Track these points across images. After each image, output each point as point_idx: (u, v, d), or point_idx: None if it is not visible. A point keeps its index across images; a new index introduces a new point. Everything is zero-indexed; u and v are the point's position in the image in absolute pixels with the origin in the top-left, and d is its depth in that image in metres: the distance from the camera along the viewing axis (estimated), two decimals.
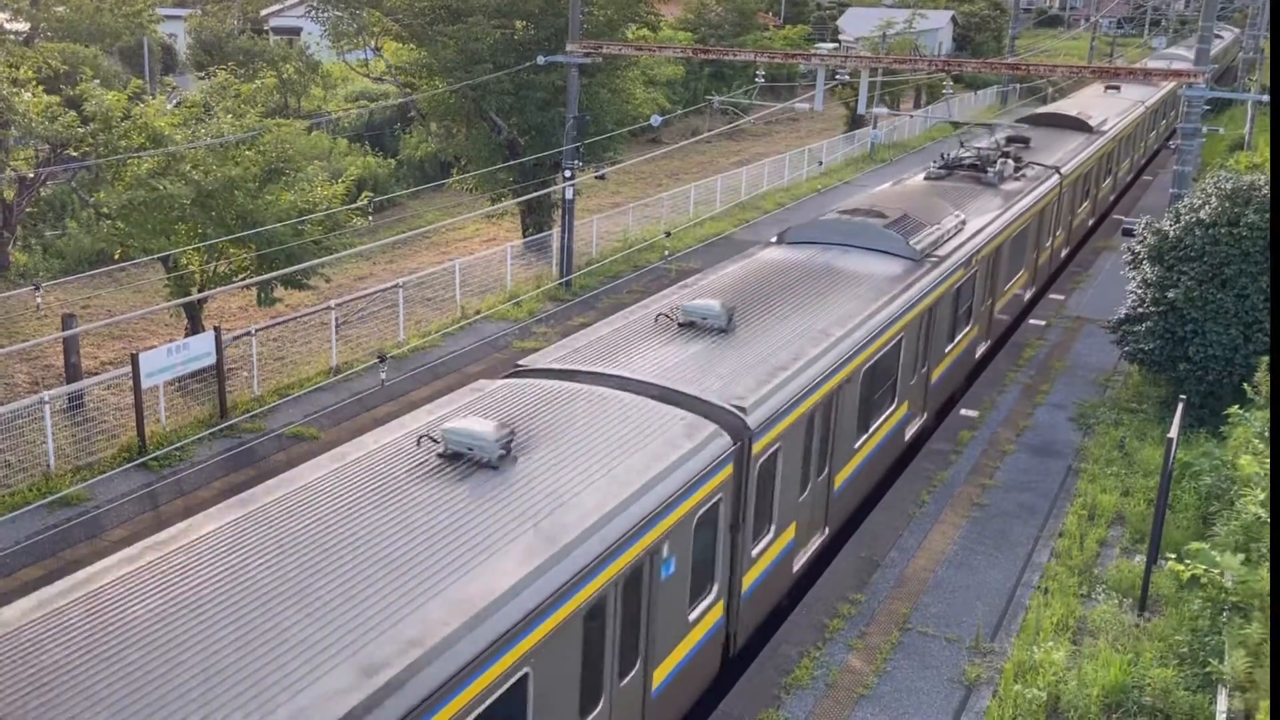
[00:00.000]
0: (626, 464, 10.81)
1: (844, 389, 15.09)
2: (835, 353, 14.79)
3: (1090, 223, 35.83)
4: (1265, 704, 10.89)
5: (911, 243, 18.85)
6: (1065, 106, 40.35)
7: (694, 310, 14.56)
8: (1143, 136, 45.77)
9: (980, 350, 23.18)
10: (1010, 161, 26.50)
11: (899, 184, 26.03)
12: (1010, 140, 31.01)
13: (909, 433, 18.88)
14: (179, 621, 7.84)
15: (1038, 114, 37.49)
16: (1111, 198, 39.75)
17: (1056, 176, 28.01)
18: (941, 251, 19.57)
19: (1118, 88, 45.63)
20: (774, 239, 19.89)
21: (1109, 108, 40.43)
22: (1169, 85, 48.64)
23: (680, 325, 14.53)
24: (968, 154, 27.55)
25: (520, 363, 13.51)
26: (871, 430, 16.67)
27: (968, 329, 21.51)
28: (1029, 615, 14.55)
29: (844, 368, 14.93)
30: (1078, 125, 35.13)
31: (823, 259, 18.32)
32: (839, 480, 15.66)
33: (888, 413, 17.35)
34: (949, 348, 20.32)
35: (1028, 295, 27.39)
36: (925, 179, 25.82)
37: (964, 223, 21.48)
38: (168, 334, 27.57)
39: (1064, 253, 31.72)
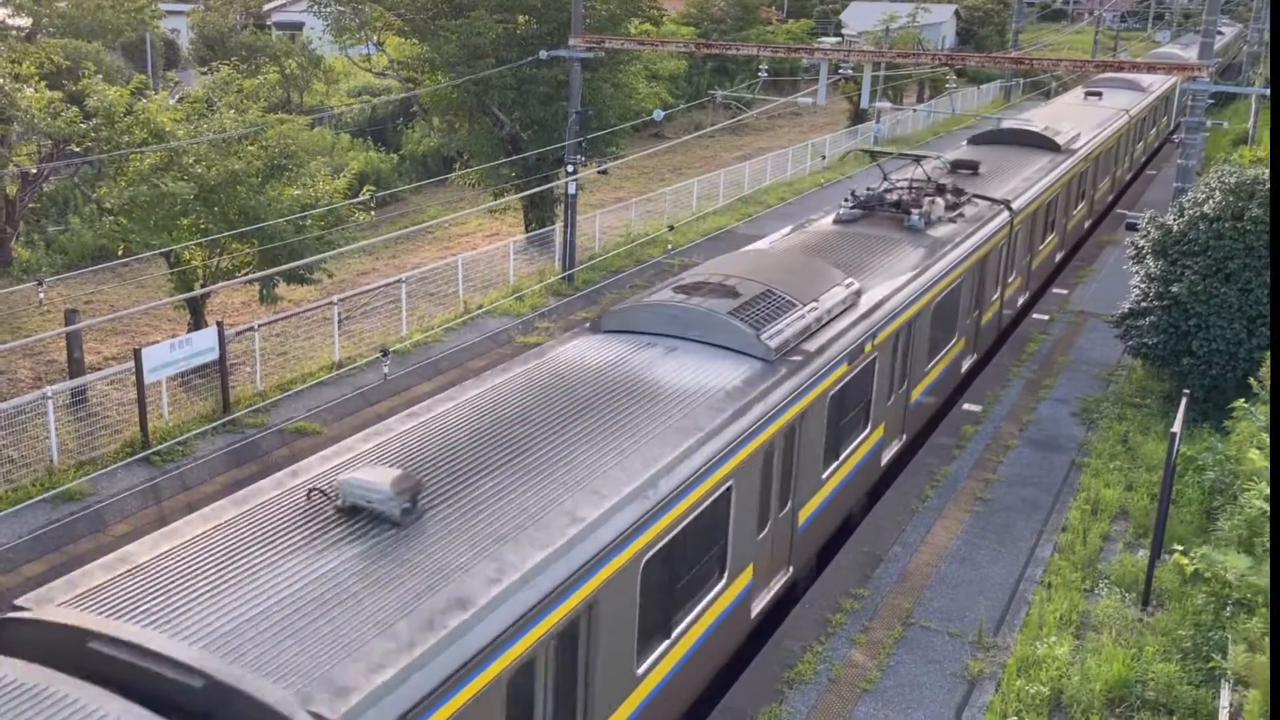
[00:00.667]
0: None
1: (602, 601, 9.88)
2: (585, 548, 9.62)
3: (1059, 257, 31.04)
4: (1255, 694, 10.89)
5: (764, 337, 13.81)
6: (1030, 120, 34.74)
7: (356, 488, 9.28)
8: (1126, 150, 40.27)
9: (891, 453, 18.21)
10: (941, 199, 21.64)
11: (800, 229, 20.66)
12: (955, 166, 26.01)
13: (759, 605, 13.66)
14: None
15: (995, 131, 31.64)
16: (1086, 224, 34.79)
17: (1006, 213, 23.14)
18: (812, 345, 14.56)
19: (1099, 94, 41.27)
20: (588, 324, 14.87)
21: (1084, 120, 35.42)
22: (1159, 90, 46.20)
23: (338, 510, 9.29)
24: (893, 188, 22.62)
25: (21, 602, 8.28)
26: (674, 637, 11.44)
27: (865, 434, 16.59)
28: (1032, 610, 14.54)
29: (602, 568, 9.81)
30: (1042, 144, 29.89)
31: (634, 363, 13.11)
32: None
33: (710, 596, 12.18)
34: (829, 471, 15.28)
35: (967, 364, 22.52)
36: (834, 223, 20.67)
37: (858, 294, 16.48)
38: (170, 329, 27.61)
39: (1020, 301, 26.88)
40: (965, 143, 31.47)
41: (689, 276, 15.70)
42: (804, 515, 14.68)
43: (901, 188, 22.66)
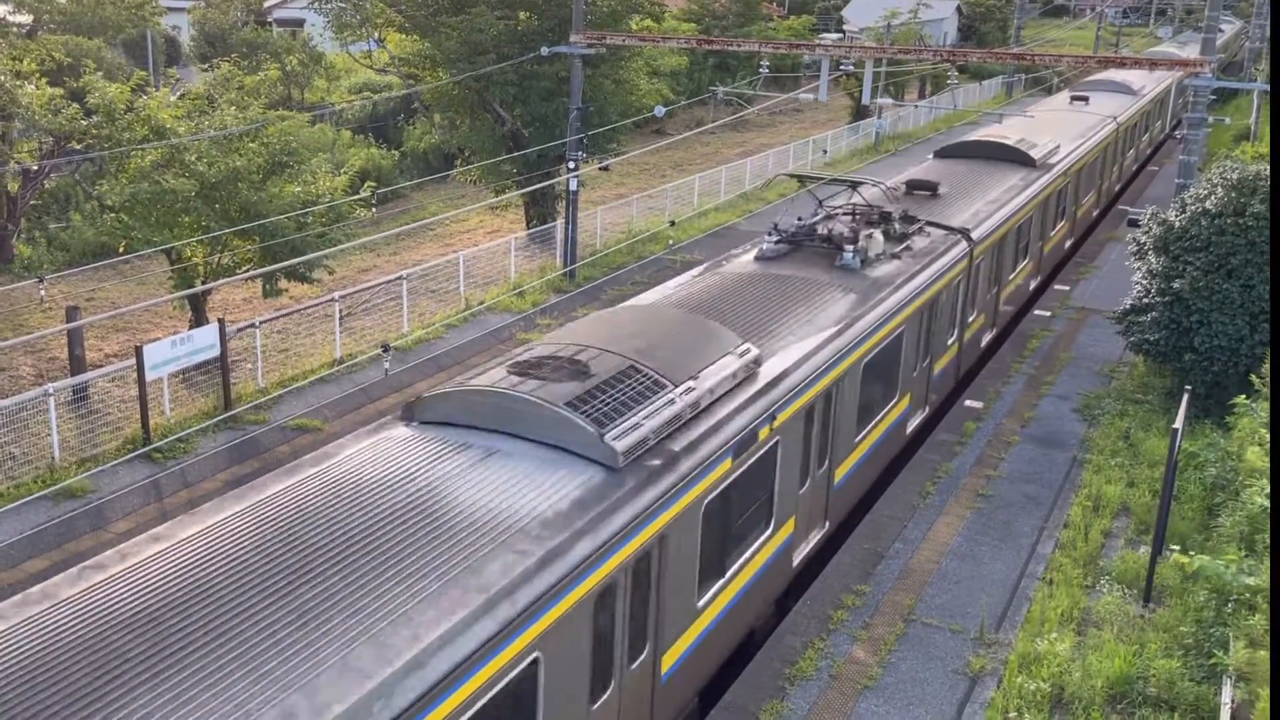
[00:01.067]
0: None
1: None
2: None
3: (1034, 284, 27.88)
4: (1265, 692, 10.89)
5: (610, 436, 10.72)
6: (1004, 130, 31.31)
7: None
8: (1114, 160, 36.97)
9: (807, 548, 15.04)
10: (881, 232, 18.71)
11: (713, 269, 17.58)
12: (911, 188, 23.04)
13: None
14: None
15: (963, 144, 28.47)
16: (1068, 244, 31.53)
17: (964, 244, 20.25)
18: (680, 440, 11.51)
19: (1085, 99, 38.63)
20: (400, 412, 11.52)
21: (1065, 129, 32.40)
22: (1152, 93, 44.60)
23: None
24: (831, 215, 19.88)
25: None
26: None
27: (766, 537, 13.49)
28: (1033, 606, 14.53)
29: None
30: (1014, 158, 26.77)
31: (433, 476, 9.96)
32: None
33: None
34: (709, 596, 12.14)
35: (915, 423, 19.44)
36: (755, 259, 17.64)
37: (757, 363, 13.46)
38: (172, 326, 27.63)
39: (985, 340, 23.68)
40: (931, 156, 28.64)
41: (535, 348, 12.47)
42: (670, 661, 11.38)
43: (842, 215, 19.80)
